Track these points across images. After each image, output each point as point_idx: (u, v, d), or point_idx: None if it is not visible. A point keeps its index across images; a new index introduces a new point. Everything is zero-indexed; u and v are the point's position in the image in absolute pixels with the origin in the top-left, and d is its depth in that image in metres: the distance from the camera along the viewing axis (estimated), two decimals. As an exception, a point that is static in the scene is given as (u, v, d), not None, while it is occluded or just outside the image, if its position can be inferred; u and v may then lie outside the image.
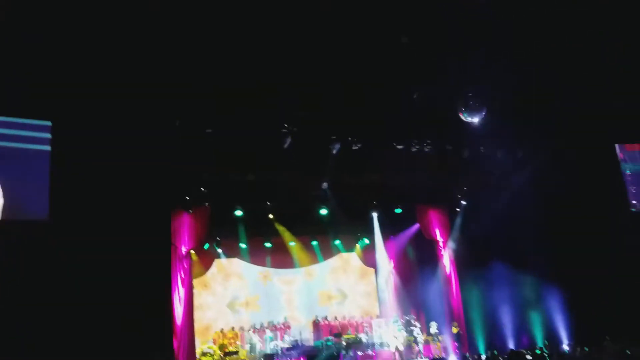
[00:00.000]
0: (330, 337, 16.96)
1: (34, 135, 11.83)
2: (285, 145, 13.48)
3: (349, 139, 14.31)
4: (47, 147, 11.93)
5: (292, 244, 18.30)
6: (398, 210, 17.72)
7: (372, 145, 14.38)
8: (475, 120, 12.20)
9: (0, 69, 9.87)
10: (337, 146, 14.27)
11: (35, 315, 10.41)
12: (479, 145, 15.32)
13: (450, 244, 17.67)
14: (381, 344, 16.90)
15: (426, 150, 15.13)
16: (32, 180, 11.40)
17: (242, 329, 17.47)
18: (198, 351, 15.47)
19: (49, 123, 12.08)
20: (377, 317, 19.42)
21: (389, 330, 17.07)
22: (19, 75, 10.16)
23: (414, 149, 15.02)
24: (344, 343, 16.48)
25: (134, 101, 11.22)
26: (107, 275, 11.25)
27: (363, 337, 17.45)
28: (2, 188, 11.01)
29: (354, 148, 14.37)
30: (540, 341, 15.76)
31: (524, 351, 13.29)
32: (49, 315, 10.49)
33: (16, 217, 10.92)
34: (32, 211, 11.13)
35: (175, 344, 13.55)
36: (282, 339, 17.20)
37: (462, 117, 12.24)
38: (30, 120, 11.63)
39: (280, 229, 17.18)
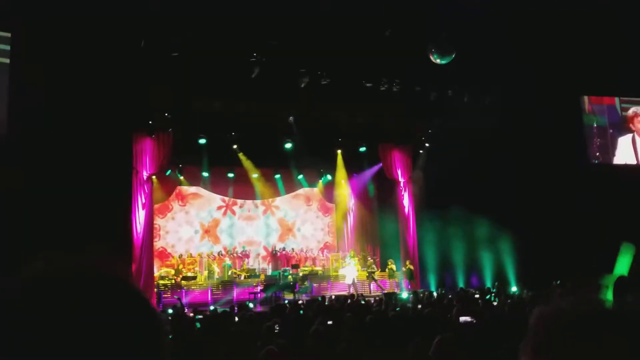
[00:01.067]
0: (287, 268, 17.41)
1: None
2: (254, 75, 13.33)
3: (318, 73, 14.24)
4: (6, 60, 11.54)
5: (255, 175, 18.37)
6: (362, 149, 17.89)
7: (341, 82, 14.36)
8: (445, 62, 12.25)
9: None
10: (306, 79, 14.19)
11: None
12: (446, 88, 15.50)
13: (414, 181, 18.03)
14: (337, 277, 17.46)
15: (395, 90, 15.21)
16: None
17: (200, 255, 17.76)
18: (156, 275, 15.71)
19: (8, 34, 11.64)
20: (335, 251, 19.98)
21: (345, 264, 17.60)
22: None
23: (383, 88, 15.08)
24: (301, 274, 16.97)
25: (100, 18, 10.82)
26: (67, 196, 11.13)
27: (319, 270, 17.99)
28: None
29: (322, 83, 14.32)
30: (489, 282, 16.51)
31: (472, 290, 14.00)
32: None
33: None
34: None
35: (134, 267, 13.70)
36: (240, 267, 17.58)
37: (432, 59, 12.26)
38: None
39: (244, 160, 17.16)
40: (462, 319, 7.19)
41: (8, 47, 11.56)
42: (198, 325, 8.23)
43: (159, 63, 11.98)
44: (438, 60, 12.23)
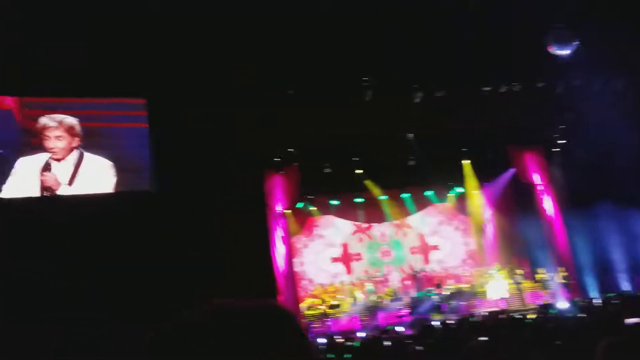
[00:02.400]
0: (431, 288, 16.96)
1: (131, 114, 12.67)
2: (367, 99, 13.42)
3: (431, 86, 13.98)
4: (145, 124, 12.74)
5: (383, 197, 18.32)
6: (490, 155, 17.15)
7: (457, 90, 13.95)
8: (567, 52, 11.46)
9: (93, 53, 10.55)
10: (420, 94, 13.99)
11: (141, 277, 11.13)
12: (573, 79, 14.40)
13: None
14: (484, 293, 16.66)
15: (515, 90, 14.46)
16: (134, 155, 12.30)
17: (342, 283, 17.90)
18: (302, 306, 16.09)
19: (143, 101, 12.86)
20: (478, 266, 19.12)
21: (491, 279, 16.76)
22: (112, 58, 10.79)
23: (502, 90, 14.40)
24: (446, 293, 16.43)
25: (218, 72, 11.62)
26: (208, 239, 11.89)
27: (465, 287, 17.29)
28: (112, 165, 12.06)
29: (437, 95, 14.03)
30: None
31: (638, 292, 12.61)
32: (150, 278, 11.17)
33: (124, 188, 11.86)
34: (136, 183, 12.03)
35: (280, 300, 14.17)
36: (383, 291, 17.44)
37: (552, 51, 11.53)
38: (127, 99, 12.50)
39: (369, 183, 17.21)
40: (629, 320, 6.45)
41: (145, 112, 12.77)
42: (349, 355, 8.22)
43: (275, 102, 12.52)
44: (559, 52, 11.47)
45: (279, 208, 15.10)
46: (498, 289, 15.89)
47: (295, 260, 17.32)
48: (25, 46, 10.19)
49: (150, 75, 11.30)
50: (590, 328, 6.45)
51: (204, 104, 12.13)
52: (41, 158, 11.78)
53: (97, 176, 12.02)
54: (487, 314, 12.70)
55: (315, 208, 18.13)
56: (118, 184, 12.05)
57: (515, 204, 18.17)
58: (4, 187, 11.34)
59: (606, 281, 15.58)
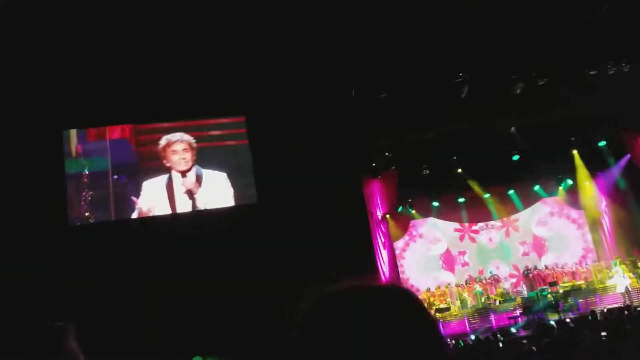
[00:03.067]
0: (545, 287, 16.13)
1: (233, 132, 13.39)
2: (464, 94, 13.11)
3: (533, 74, 13.37)
4: (245, 140, 13.36)
5: (487, 195, 17.73)
6: (602, 143, 16.09)
7: (559, 77, 13.24)
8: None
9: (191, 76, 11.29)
10: (521, 84, 13.45)
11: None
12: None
13: None
14: (604, 289, 15.59)
15: (625, 70, 13.47)
16: (239, 171, 12.96)
17: (448, 286, 17.51)
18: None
19: (242, 118, 13.49)
20: (595, 261, 17.92)
21: (611, 274, 15.66)
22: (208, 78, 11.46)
23: (611, 72, 13.47)
24: (561, 291, 15.57)
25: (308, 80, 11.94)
26: (313, 250, 12.16)
27: (581, 284, 16.27)
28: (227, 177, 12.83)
29: (539, 83, 13.40)
30: None
31: None
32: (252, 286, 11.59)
33: (238, 203, 12.56)
34: (245, 197, 12.67)
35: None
36: (493, 293, 16.85)
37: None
38: (228, 118, 13.23)
39: (471, 182, 16.74)
40: None
41: (244, 129, 13.39)
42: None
43: (369, 107, 12.60)
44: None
45: (379, 213, 15.12)
46: (619, 283, 14.80)
47: (399, 264, 17.19)
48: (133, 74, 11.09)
49: (247, 92, 11.86)
50: None
51: (297, 116, 12.48)
52: (164, 178, 12.69)
53: (218, 190, 12.75)
54: (607, 310, 11.88)
55: (415, 211, 17.94)
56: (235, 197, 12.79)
57: (633, 192, 16.87)
58: (136, 207, 12.31)
59: None
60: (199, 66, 11.31)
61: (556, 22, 11.65)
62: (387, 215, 15.71)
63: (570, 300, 14.91)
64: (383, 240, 14.85)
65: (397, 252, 17.61)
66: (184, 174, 12.69)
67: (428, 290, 17.35)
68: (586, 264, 17.77)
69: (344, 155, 13.08)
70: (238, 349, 9.05)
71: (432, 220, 18.62)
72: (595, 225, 18.36)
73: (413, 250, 18.63)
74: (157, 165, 12.77)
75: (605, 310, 12.08)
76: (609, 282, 15.61)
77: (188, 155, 12.78)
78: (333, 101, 12.35)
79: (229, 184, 12.88)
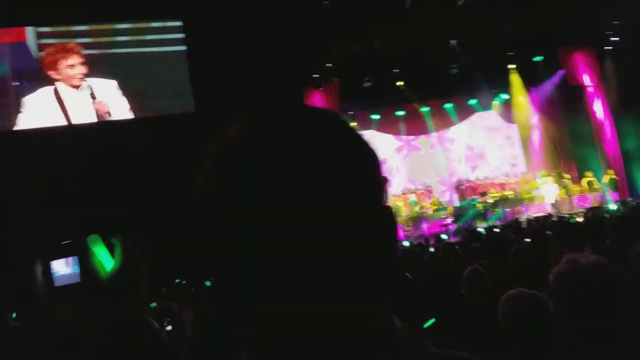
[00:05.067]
0: (475, 197, 16.94)
1: (168, 38, 12.64)
2: (407, 5, 12.88)
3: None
4: (183, 47, 12.70)
5: (425, 109, 18.00)
6: (538, 58, 16.44)
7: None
8: None
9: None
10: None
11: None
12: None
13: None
14: (531, 199, 16.56)
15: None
16: (174, 79, 12.39)
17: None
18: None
19: (179, 23, 12.74)
20: (524, 173, 18.89)
21: (538, 185, 16.60)
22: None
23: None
24: (491, 201, 16.42)
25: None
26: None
27: (510, 194, 17.20)
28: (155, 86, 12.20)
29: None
30: None
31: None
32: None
33: (168, 112, 12.06)
34: (179, 105, 12.20)
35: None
36: (428, 202, 17.56)
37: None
38: (161, 21, 12.41)
39: (411, 95, 16.86)
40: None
41: (182, 35, 12.67)
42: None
43: (313, 15, 12.17)
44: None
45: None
46: (545, 194, 15.75)
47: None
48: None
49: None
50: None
51: (240, 22, 11.94)
52: (51, 89, 11.77)
53: (113, 100, 12.05)
54: (532, 218, 12.68)
55: (356, 123, 17.98)
56: (148, 107, 12.16)
57: (564, 107, 17.60)
58: (20, 117, 11.48)
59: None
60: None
61: None
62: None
63: (498, 209, 15.76)
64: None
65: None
66: (76, 87, 11.87)
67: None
68: (515, 176, 18.70)
69: (285, 65, 12.76)
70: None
71: (371, 132, 18.84)
72: (526, 139, 19.17)
73: (352, 162, 18.91)
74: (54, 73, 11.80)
75: (531, 218, 12.88)
76: (536, 193, 16.55)
77: (84, 69, 11.81)
78: (275, 8, 11.83)
79: (120, 92, 12.14)
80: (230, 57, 12.06)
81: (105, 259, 1.01)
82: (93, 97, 11.89)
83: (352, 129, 0.69)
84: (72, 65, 11.82)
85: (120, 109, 12.14)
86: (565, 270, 1.49)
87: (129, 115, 12.16)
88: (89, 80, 12.02)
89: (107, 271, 1.00)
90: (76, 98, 11.87)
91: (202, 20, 11.92)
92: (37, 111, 11.52)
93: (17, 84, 11.44)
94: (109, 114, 11.98)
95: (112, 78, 12.05)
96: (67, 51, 11.76)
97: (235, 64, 12.07)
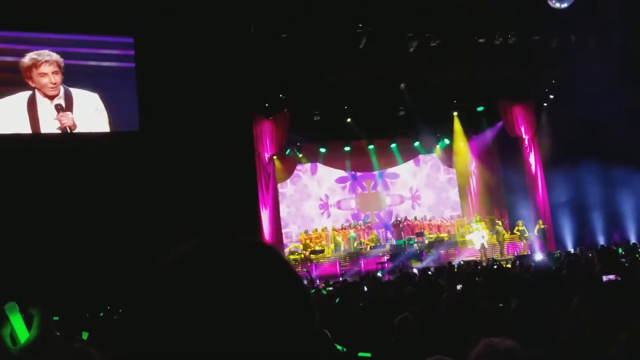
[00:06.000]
0: (412, 237, 17.31)
1: (118, 53, 12.39)
2: (361, 46, 13.22)
3: (427, 35, 13.77)
4: (132, 64, 12.48)
5: (371, 147, 18.39)
6: (480, 108, 17.19)
7: (452, 41, 13.78)
8: (565, 5, 11.30)
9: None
10: (415, 43, 13.80)
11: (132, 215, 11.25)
12: (569, 33, 14.27)
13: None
14: (464, 243, 17.08)
15: (510, 42, 14.32)
16: (121, 95, 12.13)
17: (325, 229, 18.19)
18: (285, 251, 16.39)
19: (131, 40, 12.53)
20: (459, 217, 19.50)
21: (472, 229, 17.16)
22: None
23: (497, 42, 14.25)
24: (427, 242, 16.80)
25: (208, 11, 11.32)
26: (195, 183, 11.93)
27: (445, 237, 17.69)
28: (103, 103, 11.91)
29: (432, 45, 13.85)
30: (634, 238, 15.20)
31: (615, 247, 12.95)
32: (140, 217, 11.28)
33: (114, 129, 11.79)
34: (125, 123, 11.93)
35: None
36: (367, 238, 17.79)
37: (551, 3, 11.36)
38: (114, 37, 12.17)
39: (358, 132, 17.20)
40: (606, 277, 6.68)
41: (132, 52, 12.46)
42: (324, 292, 8.49)
43: (267, 46, 12.29)
44: (558, 5, 11.32)
45: (266, 154, 15.12)
46: (476, 239, 16.30)
47: (280, 206, 17.47)
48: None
49: (139, 12, 11.00)
50: (566, 280, 6.70)
51: (193, 46, 11.89)
52: (25, 96, 11.50)
53: (91, 113, 11.82)
54: (464, 262, 13.07)
55: (302, 155, 18.16)
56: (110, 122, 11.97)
57: (500, 157, 18.39)
58: None
59: (584, 235, 16.02)
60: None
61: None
62: (274, 157, 15.77)
63: (433, 251, 16.15)
64: (268, 182, 14.92)
65: (280, 194, 17.85)
66: (52, 97, 11.60)
67: (305, 232, 17.91)
68: (451, 219, 19.28)
69: (236, 92, 12.77)
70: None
71: (317, 165, 19.04)
72: (464, 184, 19.85)
73: (295, 194, 19.02)
74: (16, 79, 11.47)
75: (462, 262, 13.26)
76: (468, 237, 17.10)
77: (58, 78, 11.57)
78: (233, 36, 11.87)
79: (103, 106, 12.00)
80: (180, 79, 11.96)
81: (20, 330, 0.97)
82: (59, 108, 11.48)
83: (287, 266, 0.72)
84: (44, 74, 11.45)
85: (97, 123, 11.84)
86: (483, 355, 1.57)
87: (106, 129, 11.86)
88: (72, 91, 11.73)
89: (20, 344, 0.95)
90: (48, 108, 11.53)
91: (154, 39, 11.80)
92: (6, 116, 11.19)
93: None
94: (73, 127, 11.56)
95: (94, 91, 11.79)
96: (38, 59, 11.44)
97: (186, 86, 11.98)
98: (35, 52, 11.53)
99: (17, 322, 0.98)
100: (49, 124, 11.61)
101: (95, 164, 11.17)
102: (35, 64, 11.45)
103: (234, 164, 12.81)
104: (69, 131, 11.47)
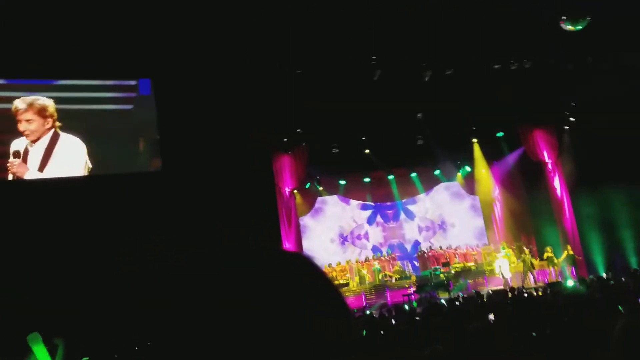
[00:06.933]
0: (438, 267, 17.02)
1: (121, 95, 12.56)
2: (376, 77, 13.31)
3: (442, 64, 13.82)
4: (130, 105, 12.60)
5: (391, 177, 18.31)
6: (500, 134, 17.05)
7: (467, 68, 13.80)
8: (579, 28, 11.25)
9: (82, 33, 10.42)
10: (430, 72, 13.85)
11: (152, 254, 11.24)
12: (584, 55, 14.18)
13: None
14: (492, 271, 16.71)
15: (526, 67, 14.28)
16: (128, 136, 12.27)
17: (349, 262, 18.00)
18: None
19: (133, 82, 12.67)
20: (485, 245, 19.15)
21: (498, 257, 16.81)
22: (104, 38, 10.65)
23: (513, 67, 14.23)
24: (453, 272, 16.48)
25: (224, 49, 11.53)
26: (218, 219, 11.94)
27: (472, 266, 17.35)
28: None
29: (447, 73, 13.88)
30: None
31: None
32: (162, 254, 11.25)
33: (130, 170, 11.90)
34: (141, 163, 12.06)
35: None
36: (391, 270, 17.54)
37: (564, 27, 11.33)
38: (117, 80, 12.35)
39: (377, 163, 17.17)
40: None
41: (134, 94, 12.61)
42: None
43: (282, 81, 12.44)
44: (571, 27, 11.27)
45: (287, 189, 15.15)
46: (505, 267, 15.93)
47: (303, 239, 17.38)
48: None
49: (155, 53, 11.25)
50: (601, 306, 6.45)
51: (212, 83, 12.09)
52: (20, 142, 11.61)
53: (71, 158, 11.78)
54: (492, 292, 12.73)
55: (322, 188, 18.14)
56: (102, 165, 11.92)
57: (524, 182, 18.11)
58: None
59: (615, 259, 15.56)
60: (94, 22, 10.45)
61: (466, 16, 12.06)
62: (295, 191, 15.80)
63: (460, 280, 15.82)
64: (289, 215, 14.91)
65: (302, 227, 17.78)
66: (33, 142, 11.62)
67: (329, 265, 17.74)
68: (477, 247, 18.93)
69: (255, 128, 12.89)
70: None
71: (338, 197, 18.99)
72: (488, 211, 19.56)
73: (317, 227, 18.92)
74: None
75: (490, 292, 12.94)
76: (495, 266, 16.73)
77: (34, 126, 11.52)
78: (248, 72, 12.05)
79: (85, 152, 11.85)
80: (198, 117, 12.13)
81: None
82: (15, 155, 11.56)
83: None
84: (19, 121, 11.62)
85: (74, 166, 11.86)
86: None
87: (80, 173, 11.85)
88: (62, 135, 11.86)
89: None
90: (31, 152, 11.68)
91: (172, 79, 12.03)
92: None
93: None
94: (20, 174, 11.55)
95: (77, 134, 11.90)
96: (21, 105, 11.65)
97: (202, 125, 12.14)
98: (20, 99, 11.62)
99: (40, 352, 0.96)
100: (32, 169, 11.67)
101: (116, 204, 11.25)
102: (17, 110, 11.56)
103: (255, 199, 12.83)
104: (15, 178, 11.42)
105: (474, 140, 17.62)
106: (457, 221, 19.87)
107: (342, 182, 18.08)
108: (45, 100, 11.77)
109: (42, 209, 10.78)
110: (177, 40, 10.99)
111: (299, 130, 14.72)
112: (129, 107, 12.48)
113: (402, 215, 19.52)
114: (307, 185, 17.37)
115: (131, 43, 10.84)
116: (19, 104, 11.61)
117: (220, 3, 10.38)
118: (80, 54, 10.92)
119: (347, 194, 18.77)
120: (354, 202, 19.17)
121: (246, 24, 10.91)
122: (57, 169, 11.69)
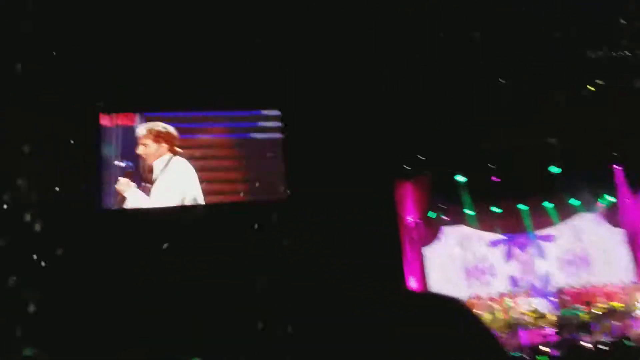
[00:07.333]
0: (578, 306, 15.58)
1: (266, 125, 13.27)
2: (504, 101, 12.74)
3: (575, 85, 12.95)
4: (278, 134, 13.22)
5: (522, 207, 17.21)
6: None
7: (607, 86, 12.77)
8: None
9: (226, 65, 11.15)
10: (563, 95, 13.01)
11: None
12: None
13: None
14: (642, 313, 14.95)
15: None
16: (267, 165, 12.82)
17: (479, 297, 17.06)
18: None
19: (278, 112, 13.35)
20: (633, 282, 17.20)
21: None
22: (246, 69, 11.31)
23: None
24: (597, 312, 15.01)
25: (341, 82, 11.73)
26: (339, 250, 11.93)
27: (619, 306, 15.64)
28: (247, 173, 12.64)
29: (583, 94, 12.96)
30: None
31: None
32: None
33: (259, 198, 12.38)
34: (271, 193, 12.49)
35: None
36: (524, 308, 16.35)
37: None
38: (260, 110, 13.10)
39: (507, 192, 16.25)
40: None
41: (278, 124, 13.24)
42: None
43: (407, 109, 12.33)
44: None
45: (410, 218, 14.82)
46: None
47: (427, 272, 16.81)
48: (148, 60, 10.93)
49: (282, 85, 11.72)
50: None
51: (333, 114, 12.29)
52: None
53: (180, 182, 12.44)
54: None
55: (448, 218, 17.48)
56: (253, 191, 12.55)
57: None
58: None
59: None
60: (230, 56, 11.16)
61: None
62: (418, 221, 15.41)
63: (605, 322, 14.34)
64: (413, 247, 14.54)
65: (425, 258, 17.20)
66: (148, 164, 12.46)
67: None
68: (624, 285, 17.07)
69: (377, 157, 12.85)
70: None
71: (464, 228, 18.17)
72: (634, 245, 17.65)
73: (442, 259, 18.20)
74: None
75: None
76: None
77: (151, 149, 12.32)
78: (371, 102, 12.12)
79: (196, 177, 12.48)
80: (320, 147, 12.34)
81: None
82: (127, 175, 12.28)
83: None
84: (145, 144, 12.49)
85: (189, 195, 12.53)
86: None
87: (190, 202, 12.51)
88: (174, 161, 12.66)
89: None
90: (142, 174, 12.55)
91: (296, 110, 12.43)
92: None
93: (124, 164, 12.36)
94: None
95: (194, 162, 12.62)
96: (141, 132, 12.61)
97: (325, 153, 12.33)
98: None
99: None
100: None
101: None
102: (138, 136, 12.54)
103: (377, 229, 12.68)
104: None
105: (617, 166, 16.13)
106: (599, 255, 18.09)
107: (470, 212, 17.30)
108: (163, 126, 12.64)
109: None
110: (304, 69, 11.38)
111: (422, 157, 14.44)
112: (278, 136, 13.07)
113: (536, 249, 18.18)
114: (432, 215, 16.86)
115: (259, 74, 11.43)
116: (140, 130, 12.52)
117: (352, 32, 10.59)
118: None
119: (474, 225, 17.91)
120: (482, 233, 18.21)
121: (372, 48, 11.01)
122: (164, 191, 12.45)
